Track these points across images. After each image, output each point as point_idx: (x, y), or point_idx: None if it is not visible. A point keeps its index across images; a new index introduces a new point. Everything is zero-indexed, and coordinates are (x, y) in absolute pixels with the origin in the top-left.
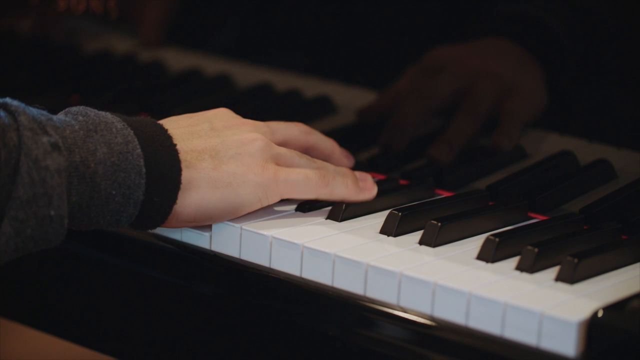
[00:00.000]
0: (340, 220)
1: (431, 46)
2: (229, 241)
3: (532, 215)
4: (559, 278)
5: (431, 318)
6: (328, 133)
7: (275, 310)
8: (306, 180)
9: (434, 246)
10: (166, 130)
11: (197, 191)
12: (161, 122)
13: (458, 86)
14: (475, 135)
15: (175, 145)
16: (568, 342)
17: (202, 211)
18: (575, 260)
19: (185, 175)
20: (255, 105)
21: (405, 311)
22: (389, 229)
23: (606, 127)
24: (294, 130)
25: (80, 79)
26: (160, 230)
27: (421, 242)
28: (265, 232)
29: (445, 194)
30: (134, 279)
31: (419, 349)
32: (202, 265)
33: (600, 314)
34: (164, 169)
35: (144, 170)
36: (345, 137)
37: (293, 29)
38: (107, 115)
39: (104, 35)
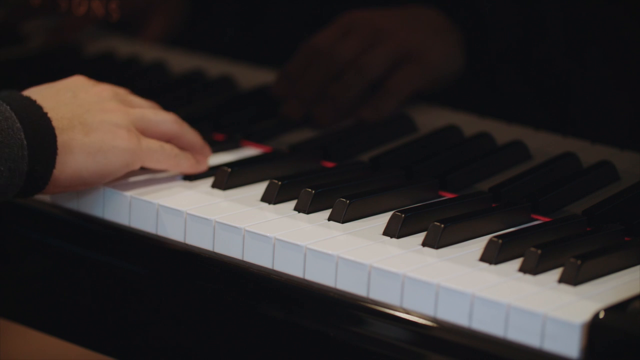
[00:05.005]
0: (343, 222)
1: None
2: (232, 243)
3: (535, 216)
4: (562, 280)
5: (434, 320)
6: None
7: (277, 312)
8: (161, 150)
9: (437, 248)
10: (35, 101)
11: (72, 156)
12: (25, 93)
13: (363, 47)
14: (360, 96)
15: (46, 114)
16: (571, 344)
17: (77, 175)
18: (579, 262)
19: (60, 140)
20: (258, 106)
21: (408, 313)
22: (392, 231)
23: (609, 129)
24: (149, 104)
25: None
26: (171, 233)
27: (424, 244)
28: (268, 234)
29: (448, 196)
30: (134, 279)
31: (422, 351)
32: (205, 267)
33: (601, 315)
34: (42, 138)
35: (25, 142)
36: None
37: (295, 30)
38: None
39: (105, 37)
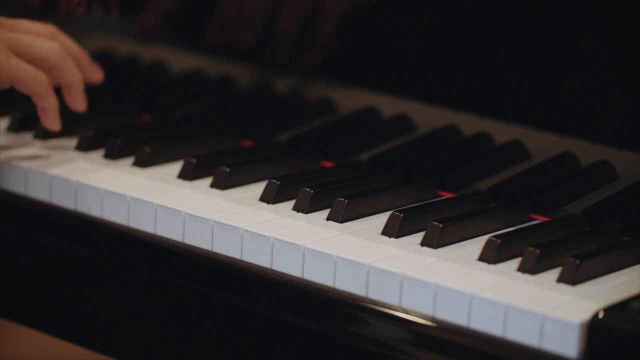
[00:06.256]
0: (342, 222)
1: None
2: (231, 243)
3: (534, 216)
4: (561, 279)
5: (433, 319)
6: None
7: (276, 312)
8: (33, 76)
9: (436, 247)
10: None
11: None
12: None
13: None
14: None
15: None
16: (570, 344)
17: None
18: (577, 262)
19: None
20: (257, 106)
21: (407, 312)
22: (390, 230)
23: (608, 129)
24: (39, 28)
25: None
26: (170, 233)
27: (423, 244)
28: (267, 234)
29: (447, 195)
30: (133, 279)
31: (420, 350)
32: (204, 267)
33: (601, 315)
34: None
35: None
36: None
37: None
38: None
39: (105, 36)
